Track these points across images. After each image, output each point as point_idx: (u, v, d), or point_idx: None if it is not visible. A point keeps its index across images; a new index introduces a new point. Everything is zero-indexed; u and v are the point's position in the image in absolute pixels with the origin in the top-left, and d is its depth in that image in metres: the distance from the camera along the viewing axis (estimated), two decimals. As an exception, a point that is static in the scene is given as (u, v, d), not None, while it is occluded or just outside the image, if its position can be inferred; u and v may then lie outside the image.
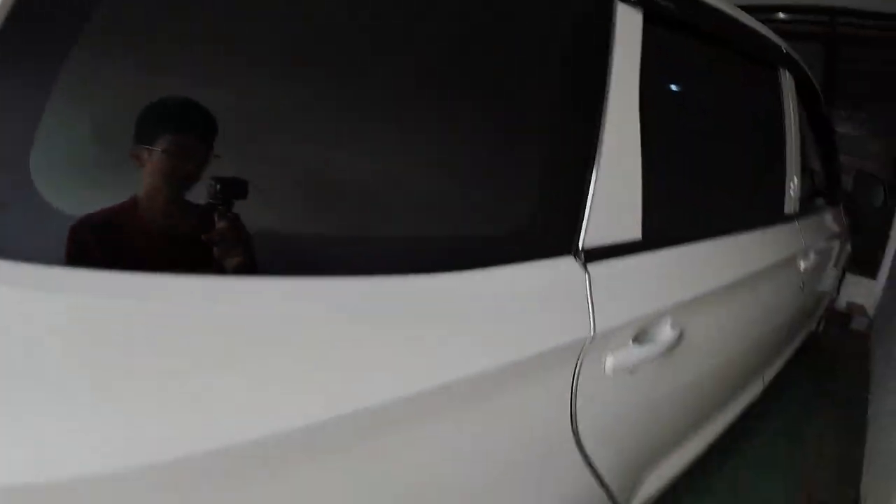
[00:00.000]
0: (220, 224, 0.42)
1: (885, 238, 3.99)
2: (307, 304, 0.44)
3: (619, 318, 0.68)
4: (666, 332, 0.77)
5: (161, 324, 0.37)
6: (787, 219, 1.37)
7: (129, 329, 0.36)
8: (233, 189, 0.42)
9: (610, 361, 0.68)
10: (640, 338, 0.74)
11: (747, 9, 1.18)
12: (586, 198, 0.67)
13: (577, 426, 0.65)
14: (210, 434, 0.36)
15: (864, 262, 3.89)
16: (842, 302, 3.72)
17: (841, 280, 2.85)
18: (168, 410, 0.36)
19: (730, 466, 1.71)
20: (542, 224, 0.65)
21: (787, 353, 1.80)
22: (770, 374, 1.63)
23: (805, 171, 1.54)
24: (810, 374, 2.58)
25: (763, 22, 1.30)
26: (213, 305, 0.39)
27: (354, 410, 0.43)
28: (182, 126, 0.43)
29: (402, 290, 0.50)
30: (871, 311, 3.83)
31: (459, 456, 0.55)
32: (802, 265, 1.41)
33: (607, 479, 0.75)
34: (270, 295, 0.42)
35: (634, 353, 0.72)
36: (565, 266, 0.65)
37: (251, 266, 0.43)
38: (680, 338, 0.80)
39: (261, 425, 0.39)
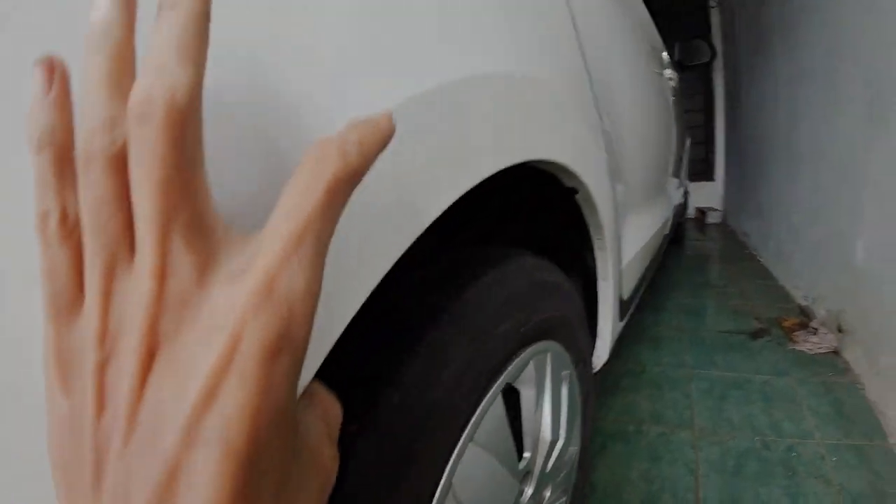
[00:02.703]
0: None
1: (711, 145, 4.78)
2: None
3: None
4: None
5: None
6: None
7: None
8: None
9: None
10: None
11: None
12: None
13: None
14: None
15: (699, 171, 4.65)
16: (691, 211, 4.41)
17: (686, 193, 3.40)
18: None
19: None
20: None
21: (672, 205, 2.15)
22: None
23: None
24: (693, 257, 3.12)
25: None
26: None
27: None
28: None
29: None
30: (719, 206, 4.60)
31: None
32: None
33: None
34: None
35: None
36: None
37: None
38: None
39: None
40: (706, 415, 1.35)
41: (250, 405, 0.15)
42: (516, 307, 0.52)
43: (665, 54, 2.00)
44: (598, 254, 0.91)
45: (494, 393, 0.49)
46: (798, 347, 1.71)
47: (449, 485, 0.43)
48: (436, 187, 0.35)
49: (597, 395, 0.98)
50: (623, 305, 1.19)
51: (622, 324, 1.22)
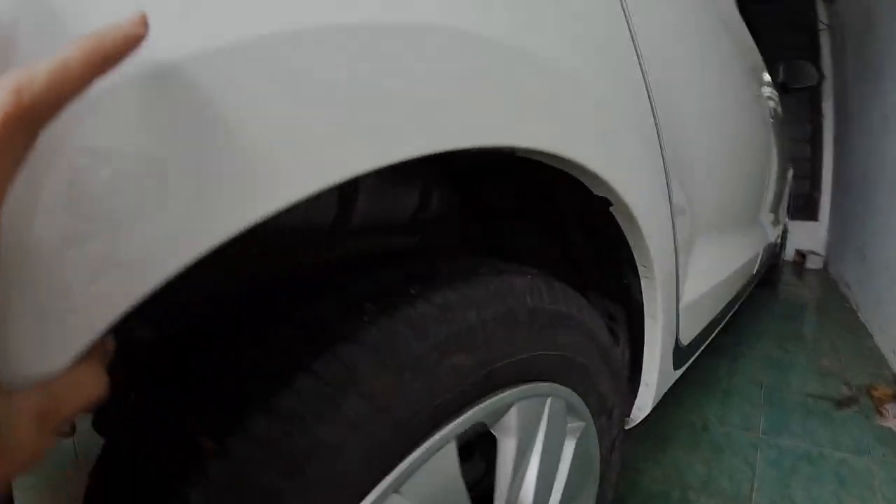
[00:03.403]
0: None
1: (818, 180, 4.28)
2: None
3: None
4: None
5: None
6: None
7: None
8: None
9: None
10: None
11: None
12: None
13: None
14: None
15: (801, 208, 4.16)
16: (790, 252, 3.94)
17: (785, 231, 3.04)
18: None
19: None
20: None
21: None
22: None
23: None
24: (786, 304, 2.76)
25: None
26: None
27: None
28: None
29: None
30: (821, 251, 4.08)
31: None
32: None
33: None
34: None
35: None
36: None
37: None
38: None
39: None
40: (767, 490, 1.12)
41: None
42: (480, 337, 0.40)
43: (766, 74, 1.77)
44: (644, 285, 0.76)
45: (440, 441, 0.38)
46: (886, 423, 1.45)
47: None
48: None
49: (621, 456, 0.82)
50: (680, 353, 1.01)
51: (677, 373, 1.04)
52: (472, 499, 0.52)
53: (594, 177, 0.49)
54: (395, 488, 0.36)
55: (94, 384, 0.23)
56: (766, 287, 2.93)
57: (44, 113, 0.17)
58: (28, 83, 0.16)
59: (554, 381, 0.52)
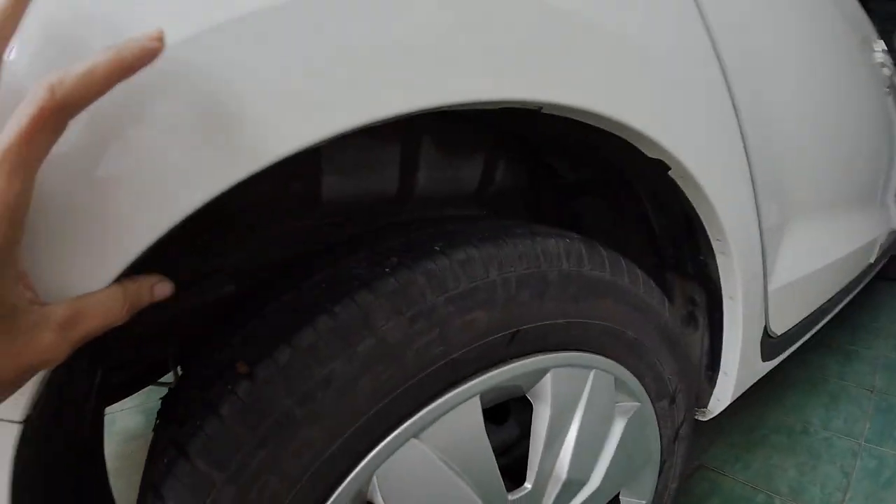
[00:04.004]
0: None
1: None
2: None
3: None
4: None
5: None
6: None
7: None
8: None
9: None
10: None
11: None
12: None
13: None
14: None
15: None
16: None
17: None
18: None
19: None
20: None
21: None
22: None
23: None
24: None
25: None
26: None
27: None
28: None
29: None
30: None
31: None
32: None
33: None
34: None
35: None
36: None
37: None
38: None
39: None
40: (859, 501, 0.99)
41: None
42: (501, 296, 0.40)
43: (881, 43, 1.52)
44: (720, 261, 0.70)
45: (460, 395, 0.39)
46: None
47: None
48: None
49: (689, 447, 0.76)
50: (771, 343, 0.92)
51: (767, 366, 0.95)
52: (511, 467, 0.51)
53: (640, 135, 0.46)
54: (414, 434, 0.37)
55: (116, 311, 0.26)
56: (889, 282, 2.57)
57: (72, 108, 0.21)
58: (59, 83, 0.21)
59: (599, 354, 0.50)
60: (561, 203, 0.84)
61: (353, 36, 0.28)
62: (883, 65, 1.52)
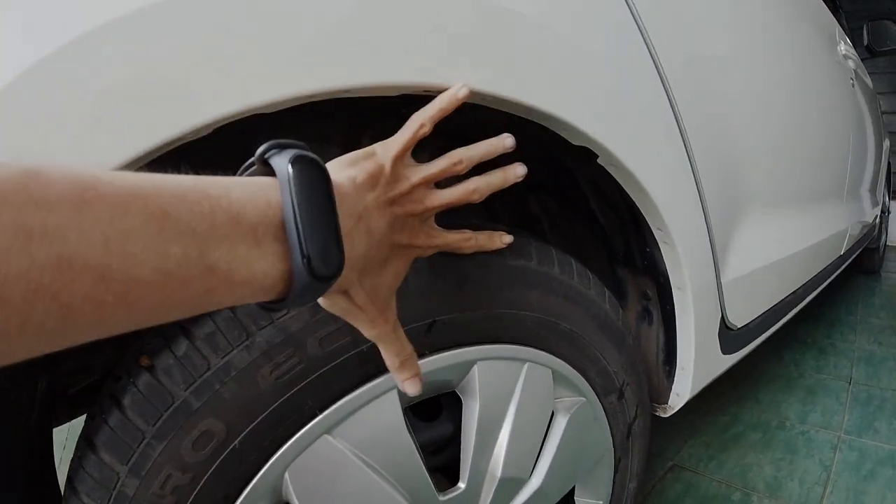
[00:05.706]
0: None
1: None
2: None
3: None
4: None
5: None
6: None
7: None
8: None
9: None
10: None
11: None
12: None
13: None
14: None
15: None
16: (893, 237, 3.46)
17: (886, 212, 2.67)
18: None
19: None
20: None
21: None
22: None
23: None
24: (890, 294, 2.42)
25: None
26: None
27: None
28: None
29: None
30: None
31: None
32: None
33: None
34: None
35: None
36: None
37: None
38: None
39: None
40: (840, 495, 0.98)
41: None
42: (410, 286, 0.39)
43: (839, 31, 1.56)
44: (664, 251, 0.70)
45: (374, 389, 0.37)
46: None
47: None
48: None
49: (646, 444, 0.74)
50: (731, 335, 0.91)
51: (728, 359, 0.94)
52: (449, 466, 0.50)
53: (556, 120, 0.45)
54: (327, 429, 0.37)
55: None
56: (865, 275, 2.60)
57: (407, 149, 0.33)
58: (386, 149, 0.32)
59: (531, 346, 0.49)
60: (515, 202, 0.84)
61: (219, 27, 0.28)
62: (847, 56, 1.55)
